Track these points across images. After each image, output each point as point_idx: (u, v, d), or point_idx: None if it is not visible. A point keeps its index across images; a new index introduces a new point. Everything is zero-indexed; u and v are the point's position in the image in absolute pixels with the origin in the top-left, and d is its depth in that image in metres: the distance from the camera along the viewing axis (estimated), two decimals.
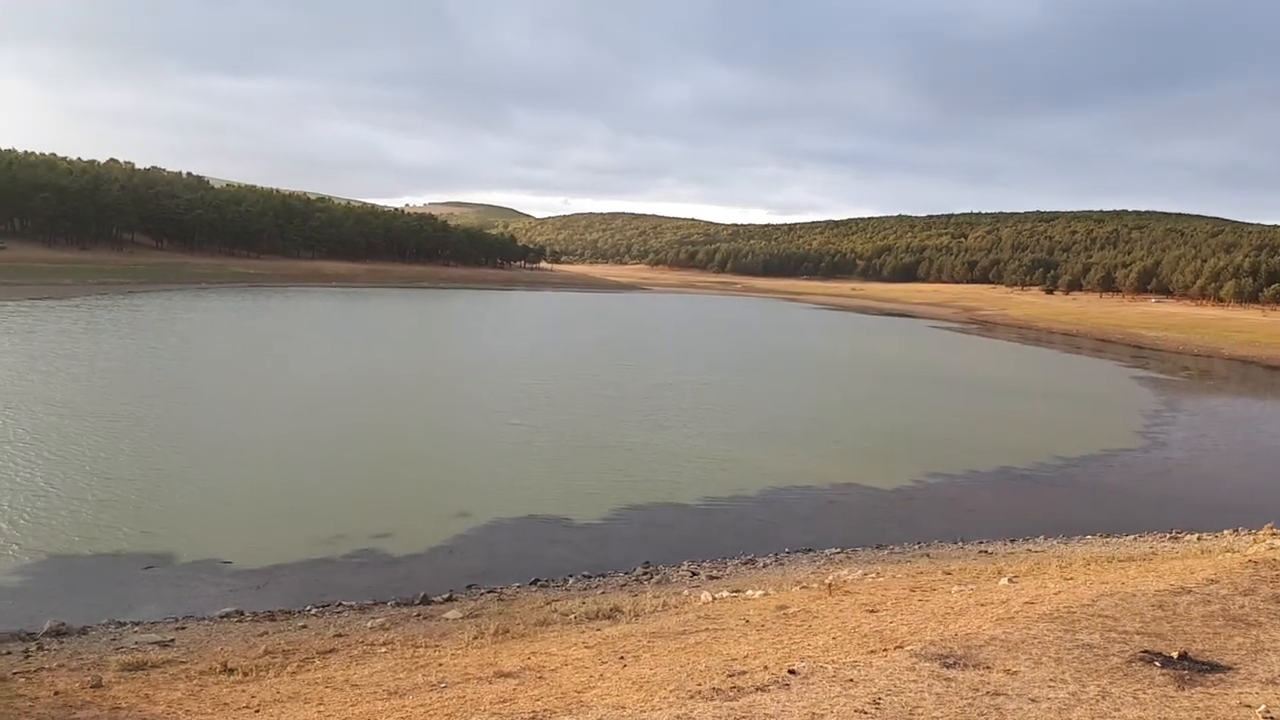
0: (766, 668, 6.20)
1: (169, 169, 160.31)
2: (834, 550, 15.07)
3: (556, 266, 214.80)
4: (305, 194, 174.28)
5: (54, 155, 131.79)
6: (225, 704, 7.27)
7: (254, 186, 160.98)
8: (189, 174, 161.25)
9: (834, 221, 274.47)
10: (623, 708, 5.66)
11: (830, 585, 10.76)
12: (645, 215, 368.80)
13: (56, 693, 7.64)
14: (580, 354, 47.41)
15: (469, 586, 12.99)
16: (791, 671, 5.89)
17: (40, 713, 6.99)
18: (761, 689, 5.51)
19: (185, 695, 7.62)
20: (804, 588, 11.30)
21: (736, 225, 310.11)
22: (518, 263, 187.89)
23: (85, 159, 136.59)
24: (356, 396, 29.76)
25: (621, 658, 7.59)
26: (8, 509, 15.31)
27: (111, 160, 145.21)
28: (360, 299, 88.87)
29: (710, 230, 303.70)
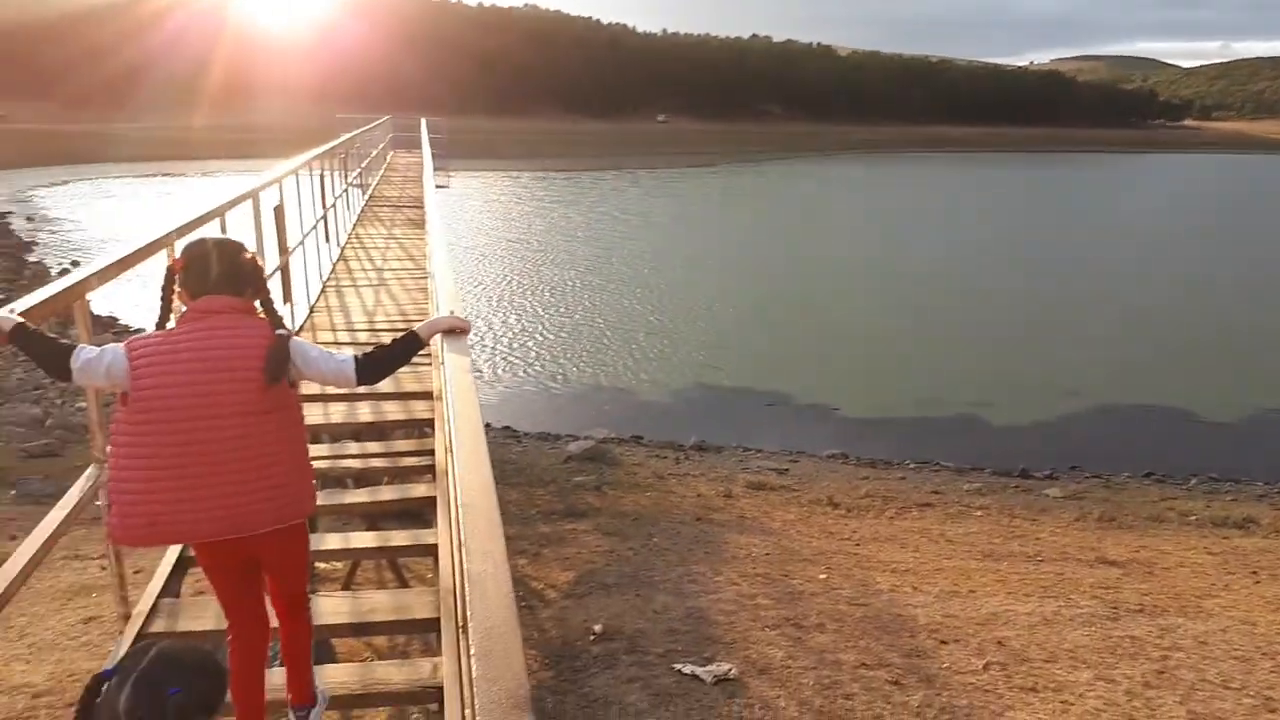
0: None
1: (801, 40, 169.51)
2: None
3: (1205, 124, 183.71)
4: (926, 57, 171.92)
5: (707, 35, 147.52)
6: (830, 533, 8.01)
7: (877, 52, 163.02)
8: (818, 44, 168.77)
9: None
10: (1253, 624, 5.01)
11: None
12: None
13: (699, 495, 9.13)
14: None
15: (1072, 468, 12.36)
16: None
17: (688, 507, 8.45)
18: None
19: (796, 519, 8.56)
20: None
21: None
22: (1156, 121, 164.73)
23: (732, 36, 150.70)
24: (966, 269, 29.36)
25: (1254, 572, 6.66)
26: (663, 345, 18.27)
27: (754, 36, 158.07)
28: (976, 165, 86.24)
29: None
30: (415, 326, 2.81)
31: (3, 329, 2.40)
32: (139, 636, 3.13)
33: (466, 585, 1.19)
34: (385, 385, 5.88)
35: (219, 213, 4.68)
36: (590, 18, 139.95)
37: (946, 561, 6.90)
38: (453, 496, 2.27)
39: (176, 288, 2.55)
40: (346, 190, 12.68)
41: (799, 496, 9.54)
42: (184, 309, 2.54)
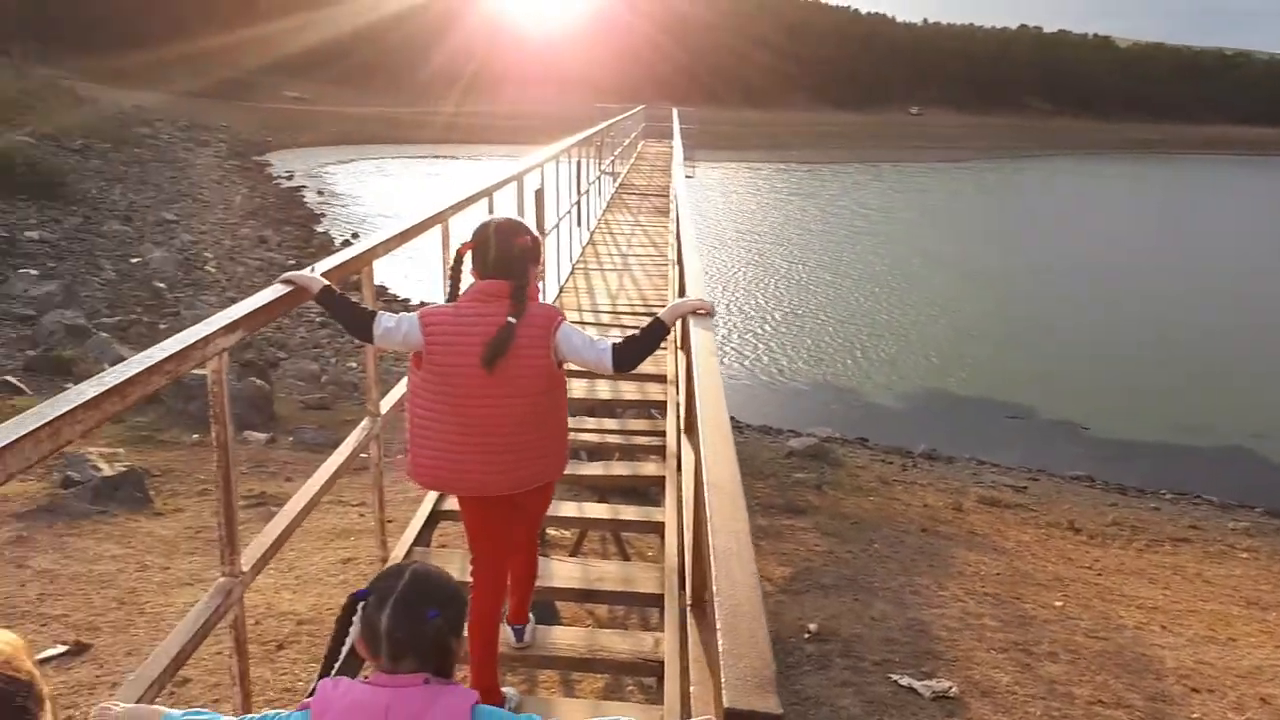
0: None
1: (1075, 31, 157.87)
2: None
3: None
4: (1220, 49, 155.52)
5: (971, 25, 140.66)
6: (1069, 559, 7.50)
7: (1161, 44, 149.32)
8: (1095, 35, 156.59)
9: None
10: None
11: None
12: None
13: (926, 505, 8.82)
14: None
15: None
16: None
17: (913, 516, 8.19)
18: None
19: (1032, 540, 8.07)
20: None
21: None
22: None
23: (999, 26, 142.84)
24: (1247, 288, 26.47)
25: None
26: (903, 346, 17.71)
27: (1021, 26, 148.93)
28: (1268, 170, 77.12)
29: None
30: (659, 313, 2.93)
31: (311, 289, 2.75)
32: None
33: (712, 562, 1.23)
34: None
35: (487, 193, 5.04)
36: (849, 8, 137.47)
37: (1202, 604, 6.29)
38: (692, 476, 2.35)
39: (466, 267, 2.85)
40: (599, 177, 13.20)
41: (1036, 517, 9.00)
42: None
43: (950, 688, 4.23)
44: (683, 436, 3.69)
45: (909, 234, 32.13)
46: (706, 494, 1.47)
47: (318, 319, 14.36)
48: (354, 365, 12.99)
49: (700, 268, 3.97)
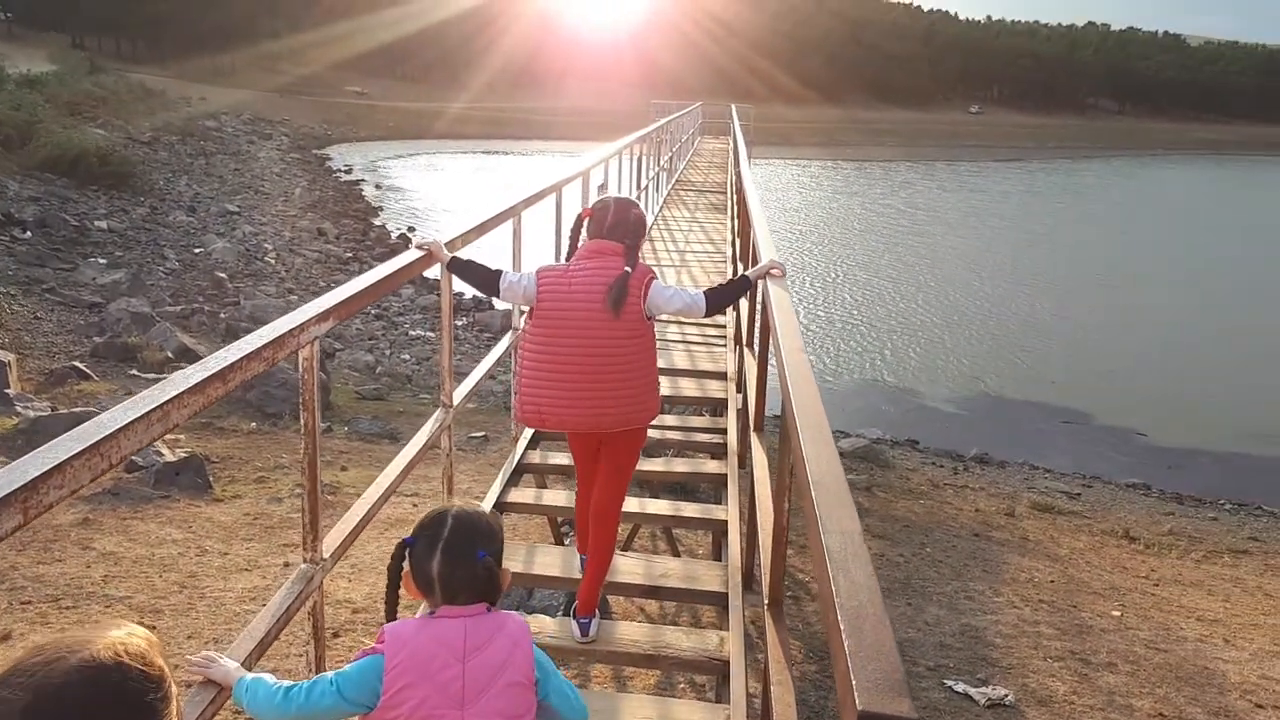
0: None
1: (1144, 29, 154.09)
2: None
3: None
4: None
5: (1035, 23, 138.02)
6: (1124, 568, 7.39)
7: (1235, 43, 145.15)
8: (1164, 33, 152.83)
9: None
10: None
11: None
12: None
13: (978, 509, 8.73)
14: None
15: None
16: None
17: (964, 520, 8.11)
18: None
19: (1086, 548, 7.95)
20: None
21: None
22: None
23: (1064, 24, 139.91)
24: None
25: None
26: (951, 348, 17.51)
27: (1089, 24, 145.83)
28: None
29: None
30: (745, 272, 3.46)
31: (443, 259, 3.22)
32: None
33: (828, 563, 1.23)
34: (682, 363, 6.14)
35: (555, 188, 5.15)
36: (911, 3, 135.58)
37: (1264, 618, 6.16)
38: (766, 473, 2.36)
39: (583, 232, 3.29)
40: (657, 174, 13.23)
41: (1091, 525, 8.86)
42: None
43: (1006, 695, 4.20)
44: (752, 435, 3.71)
45: (957, 234, 31.67)
46: (813, 493, 1.45)
47: (372, 311, 14.60)
48: (407, 358, 13.19)
49: (769, 234, 4.17)
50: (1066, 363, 16.92)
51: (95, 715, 1.01)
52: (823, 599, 1.22)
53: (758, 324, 4.24)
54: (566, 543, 5.04)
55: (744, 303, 5.34)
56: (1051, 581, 6.29)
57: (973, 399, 14.93)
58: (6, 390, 8.36)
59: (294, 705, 1.73)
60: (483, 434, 8.87)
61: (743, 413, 4.79)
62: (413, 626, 1.79)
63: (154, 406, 1.64)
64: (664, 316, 3.84)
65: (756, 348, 4.00)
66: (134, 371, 10.12)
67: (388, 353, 13.33)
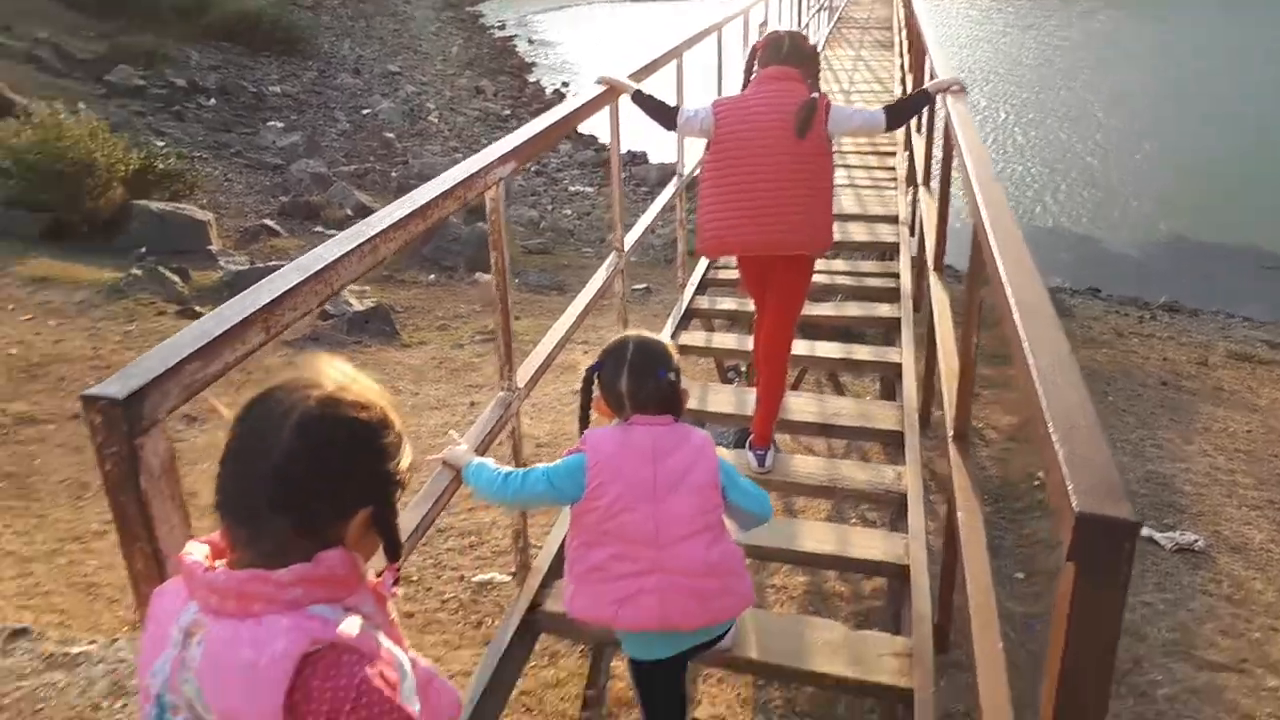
0: None
1: None
2: None
3: None
4: None
5: None
6: None
7: None
8: None
9: None
10: None
11: None
12: None
13: (1165, 359, 8.24)
14: None
15: None
16: None
17: (1151, 369, 7.70)
18: None
19: None
20: None
21: None
22: None
23: None
24: None
25: None
26: (1134, 191, 16.22)
27: None
28: None
29: None
30: (924, 86, 3.48)
31: (627, 89, 3.31)
32: None
33: (1036, 381, 1.19)
34: (852, 208, 5.96)
35: (716, 28, 4.98)
36: None
37: None
38: (970, 307, 2.30)
39: (755, 64, 3.29)
40: (818, 11, 12.54)
41: None
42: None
43: (1196, 540, 4.06)
44: (930, 275, 3.61)
45: (1142, 69, 28.73)
46: (1016, 317, 1.41)
47: (533, 168, 14.76)
48: (568, 212, 13.35)
49: (945, 54, 4.08)
50: (1266, 204, 15.38)
51: (359, 434, 1.11)
52: (1034, 417, 1.19)
53: (936, 156, 4.04)
54: (734, 384, 5.11)
55: (918, 143, 5.09)
56: (1249, 431, 5.94)
57: (1160, 244, 13.88)
58: (209, 246, 9.04)
59: (511, 489, 2.02)
60: (644, 285, 8.98)
61: (917, 257, 4.63)
62: (609, 432, 2.00)
63: (364, 240, 1.74)
64: (838, 147, 3.74)
65: (935, 183, 3.82)
66: (319, 228, 10.71)
67: (550, 208, 13.53)
